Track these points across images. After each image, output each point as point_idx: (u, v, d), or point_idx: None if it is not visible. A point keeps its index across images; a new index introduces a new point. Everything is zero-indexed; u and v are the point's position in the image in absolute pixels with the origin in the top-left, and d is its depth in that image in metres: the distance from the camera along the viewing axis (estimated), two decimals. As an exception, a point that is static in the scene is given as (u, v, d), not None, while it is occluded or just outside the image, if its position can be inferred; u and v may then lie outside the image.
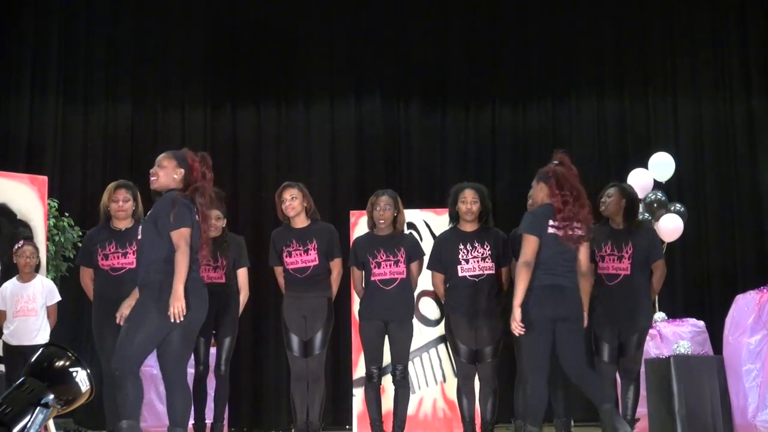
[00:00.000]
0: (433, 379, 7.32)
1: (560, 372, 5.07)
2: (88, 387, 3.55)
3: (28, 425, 3.29)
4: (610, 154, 9.14)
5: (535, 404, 4.94)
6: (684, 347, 6.35)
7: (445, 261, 5.72)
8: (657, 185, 7.64)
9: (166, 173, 4.75)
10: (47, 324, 6.24)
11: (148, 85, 9.18)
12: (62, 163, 8.90)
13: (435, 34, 9.36)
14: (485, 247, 5.67)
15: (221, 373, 5.94)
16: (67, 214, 7.98)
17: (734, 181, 9.05)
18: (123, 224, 5.69)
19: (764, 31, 9.25)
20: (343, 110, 9.21)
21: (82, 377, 3.51)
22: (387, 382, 5.99)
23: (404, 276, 5.75)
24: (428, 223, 7.45)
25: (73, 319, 7.76)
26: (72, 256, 7.54)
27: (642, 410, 5.93)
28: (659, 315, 7.08)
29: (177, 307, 4.50)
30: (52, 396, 3.40)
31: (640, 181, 7.40)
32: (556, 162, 5.15)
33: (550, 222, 4.99)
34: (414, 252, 5.84)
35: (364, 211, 5.99)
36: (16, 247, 6.38)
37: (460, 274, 5.66)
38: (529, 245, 4.98)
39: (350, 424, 7.49)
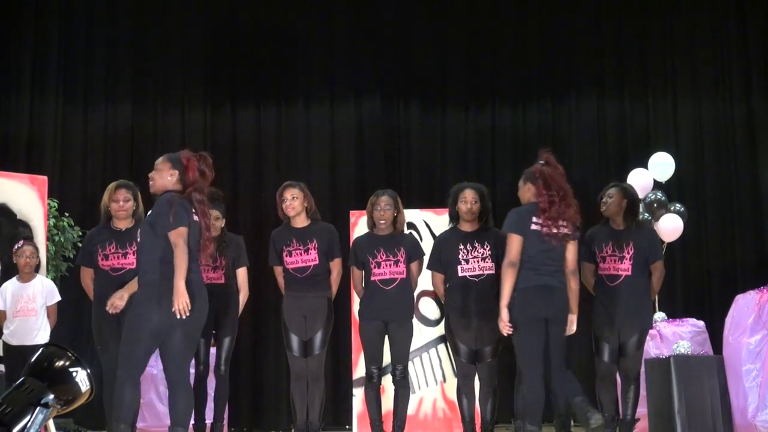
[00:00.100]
0: (433, 379, 7.31)
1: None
2: (88, 387, 3.54)
3: (28, 425, 3.29)
4: (610, 154, 9.12)
5: (533, 403, 4.95)
6: (684, 347, 6.35)
7: (445, 261, 5.72)
8: (657, 185, 7.64)
9: (161, 176, 4.81)
10: (47, 324, 6.24)
11: (148, 86, 9.16)
12: (62, 163, 8.88)
13: (435, 34, 9.34)
14: (485, 247, 5.67)
15: (221, 373, 5.94)
16: (67, 214, 7.98)
17: (734, 181, 9.03)
18: (123, 224, 5.68)
19: (764, 31, 9.23)
20: (343, 110, 9.19)
21: (82, 377, 3.51)
22: (387, 382, 5.99)
23: (404, 276, 5.75)
24: (428, 223, 7.45)
25: (73, 319, 7.75)
26: (72, 256, 7.54)
27: (642, 410, 5.92)
28: (659, 315, 7.08)
29: (181, 303, 4.51)
30: (52, 396, 3.40)
31: (640, 181, 7.39)
32: (542, 162, 5.16)
33: (533, 219, 5.00)
34: (414, 252, 5.84)
35: (364, 211, 5.99)
36: (16, 247, 6.38)
37: (460, 274, 5.66)
38: (513, 244, 4.99)
39: (350, 424, 7.49)
